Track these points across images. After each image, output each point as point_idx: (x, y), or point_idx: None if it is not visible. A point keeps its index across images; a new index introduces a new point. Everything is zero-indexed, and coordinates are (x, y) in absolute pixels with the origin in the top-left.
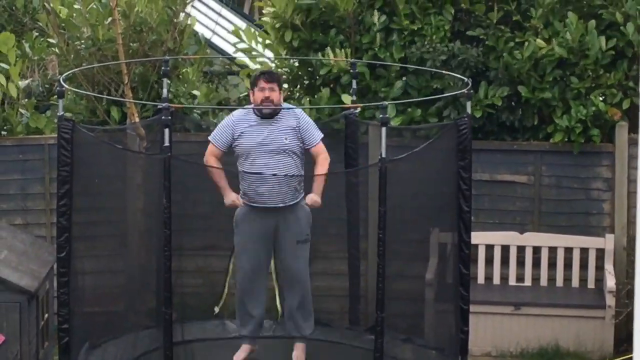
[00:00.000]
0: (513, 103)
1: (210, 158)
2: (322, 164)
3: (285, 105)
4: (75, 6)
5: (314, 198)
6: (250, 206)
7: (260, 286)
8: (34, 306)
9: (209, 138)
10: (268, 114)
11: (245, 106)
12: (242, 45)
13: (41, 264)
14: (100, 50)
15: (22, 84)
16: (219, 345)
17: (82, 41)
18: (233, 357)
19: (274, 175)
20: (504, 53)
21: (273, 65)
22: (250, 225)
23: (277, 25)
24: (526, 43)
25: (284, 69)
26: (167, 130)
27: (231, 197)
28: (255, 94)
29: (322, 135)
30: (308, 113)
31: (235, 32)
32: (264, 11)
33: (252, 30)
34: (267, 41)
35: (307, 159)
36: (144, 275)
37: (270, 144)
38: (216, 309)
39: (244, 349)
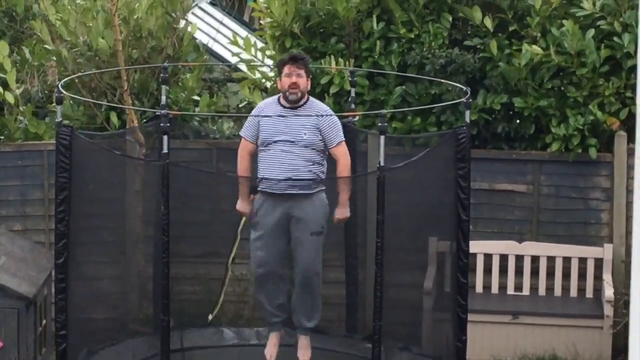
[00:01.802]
0: (511, 112)
1: (244, 153)
2: (342, 171)
3: (315, 102)
4: (72, 13)
5: (337, 214)
6: (266, 195)
7: (281, 276)
8: (32, 312)
9: (240, 133)
10: (293, 101)
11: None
12: (243, 56)
13: (39, 270)
14: (97, 56)
15: (18, 90)
16: (216, 352)
17: (79, 48)
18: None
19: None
20: (500, 62)
21: (272, 74)
22: (265, 215)
23: (277, 34)
24: (523, 50)
25: None
26: (165, 137)
27: (243, 206)
28: (282, 80)
29: (343, 139)
30: None
31: (234, 42)
32: (261, 22)
33: (251, 39)
34: (267, 52)
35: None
36: (142, 282)
37: (288, 135)
38: (210, 317)
39: (272, 342)
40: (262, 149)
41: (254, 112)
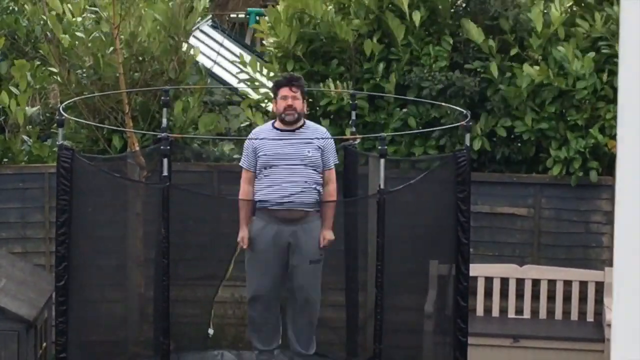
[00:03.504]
0: (512, 136)
1: (245, 185)
2: (332, 194)
3: (311, 124)
4: (78, 34)
5: (326, 236)
6: (265, 218)
7: (274, 302)
8: (32, 335)
9: (240, 164)
10: (291, 123)
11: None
12: (244, 76)
13: (40, 292)
14: (102, 79)
15: (30, 111)
16: None
17: (84, 70)
18: None
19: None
20: (501, 85)
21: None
22: (264, 240)
23: (279, 55)
24: (523, 73)
25: None
26: (165, 160)
27: (241, 234)
28: (278, 103)
29: (337, 162)
30: None
31: (241, 61)
32: (264, 42)
33: (256, 61)
34: (271, 73)
35: None
36: (142, 304)
37: (291, 154)
38: (210, 331)
39: None
40: (264, 172)
41: (248, 140)
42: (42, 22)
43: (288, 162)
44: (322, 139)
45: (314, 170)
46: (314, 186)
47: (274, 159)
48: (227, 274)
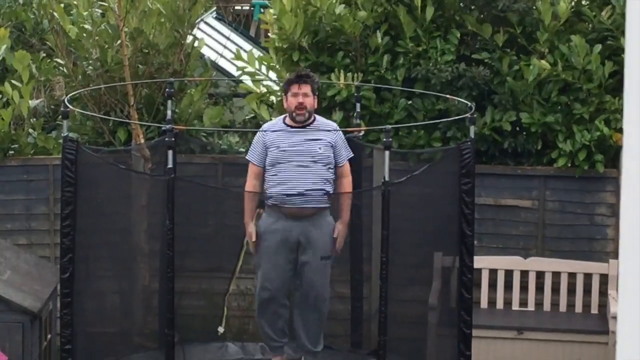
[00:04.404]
0: (517, 128)
1: (251, 180)
2: (347, 187)
3: (321, 119)
4: (85, 26)
5: (338, 227)
6: (276, 214)
7: (283, 300)
8: (37, 327)
9: (247, 157)
10: (301, 122)
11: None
12: (247, 70)
13: (44, 284)
14: (108, 71)
15: (32, 103)
16: None
17: (90, 62)
18: None
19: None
20: (508, 78)
21: (277, 88)
22: (274, 237)
23: (285, 46)
24: (531, 66)
25: None
26: (170, 152)
27: (248, 230)
28: (288, 100)
29: (351, 155)
30: None
31: (238, 56)
32: (269, 34)
33: (255, 53)
34: (272, 64)
35: None
36: (147, 296)
37: (302, 151)
38: (220, 329)
39: None
40: (273, 169)
41: (259, 135)
42: (49, 14)
43: (298, 159)
44: (334, 135)
45: (325, 166)
46: (324, 183)
47: (285, 156)
48: (237, 270)
